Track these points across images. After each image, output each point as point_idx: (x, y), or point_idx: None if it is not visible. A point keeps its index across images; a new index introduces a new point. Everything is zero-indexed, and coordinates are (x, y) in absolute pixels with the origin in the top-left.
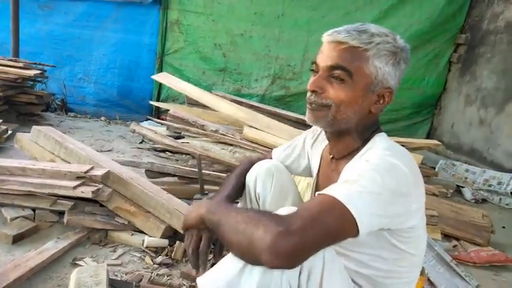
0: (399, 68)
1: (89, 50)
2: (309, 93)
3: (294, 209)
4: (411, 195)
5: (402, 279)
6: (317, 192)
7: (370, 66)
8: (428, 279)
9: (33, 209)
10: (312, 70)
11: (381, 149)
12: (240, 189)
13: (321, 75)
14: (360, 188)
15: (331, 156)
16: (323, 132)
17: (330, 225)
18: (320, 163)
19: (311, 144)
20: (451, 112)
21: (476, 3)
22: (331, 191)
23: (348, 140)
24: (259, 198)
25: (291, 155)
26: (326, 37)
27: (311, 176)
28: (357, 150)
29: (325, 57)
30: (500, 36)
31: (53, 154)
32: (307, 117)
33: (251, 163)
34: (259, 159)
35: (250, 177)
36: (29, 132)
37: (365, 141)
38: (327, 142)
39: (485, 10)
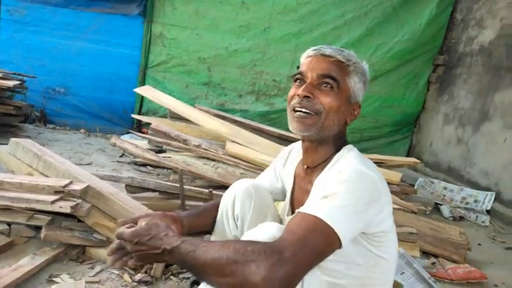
0: (365, 87)
1: (66, 60)
2: (297, 100)
3: (274, 225)
4: (382, 200)
5: (376, 286)
6: (297, 210)
7: (350, 80)
8: None
9: (9, 224)
10: (297, 79)
11: (350, 158)
12: (207, 217)
13: (310, 83)
14: (337, 203)
15: (305, 166)
16: (293, 152)
17: (317, 245)
18: (294, 179)
19: (282, 165)
20: (429, 130)
21: (453, 27)
22: (311, 209)
23: (325, 148)
24: (237, 220)
25: (266, 181)
26: (312, 52)
27: (284, 199)
28: (329, 159)
29: (314, 67)
30: (475, 59)
31: (31, 167)
32: (295, 127)
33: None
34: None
35: (228, 198)
36: (7, 144)
37: (336, 151)
38: (298, 160)
39: (461, 33)
